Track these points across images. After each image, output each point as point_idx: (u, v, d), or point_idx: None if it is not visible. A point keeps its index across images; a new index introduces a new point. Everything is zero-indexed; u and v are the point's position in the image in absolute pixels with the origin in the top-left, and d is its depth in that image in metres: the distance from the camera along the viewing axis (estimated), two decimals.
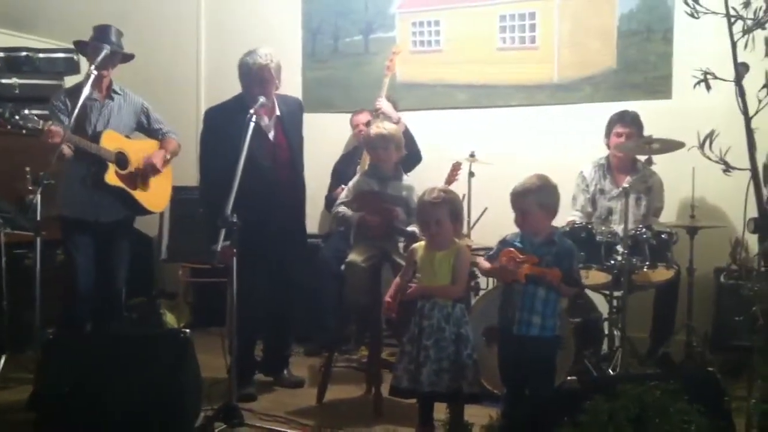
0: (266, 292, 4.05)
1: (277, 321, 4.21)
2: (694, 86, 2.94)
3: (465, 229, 4.28)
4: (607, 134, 4.68)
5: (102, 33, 4.20)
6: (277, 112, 4.13)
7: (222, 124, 3.95)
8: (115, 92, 4.26)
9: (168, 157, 4.38)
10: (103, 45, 4.06)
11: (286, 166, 4.12)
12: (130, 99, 4.33)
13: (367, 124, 4.97)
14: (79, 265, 4.10)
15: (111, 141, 4.12)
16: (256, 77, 3.95)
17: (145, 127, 4.38)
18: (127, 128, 4.29)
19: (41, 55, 5.47)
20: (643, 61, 5.10)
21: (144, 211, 4.35)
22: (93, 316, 4.17)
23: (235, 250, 3.30)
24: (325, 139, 5.48)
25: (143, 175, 4.25)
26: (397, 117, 4.92)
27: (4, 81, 5.27)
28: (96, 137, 4.07)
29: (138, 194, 4.23)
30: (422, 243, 3.40)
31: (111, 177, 4.10)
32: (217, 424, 3.25)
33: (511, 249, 3.08)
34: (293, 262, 4.18)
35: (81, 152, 3.99)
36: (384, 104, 4.90)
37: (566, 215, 4.47)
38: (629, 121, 4.58)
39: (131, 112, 4.31)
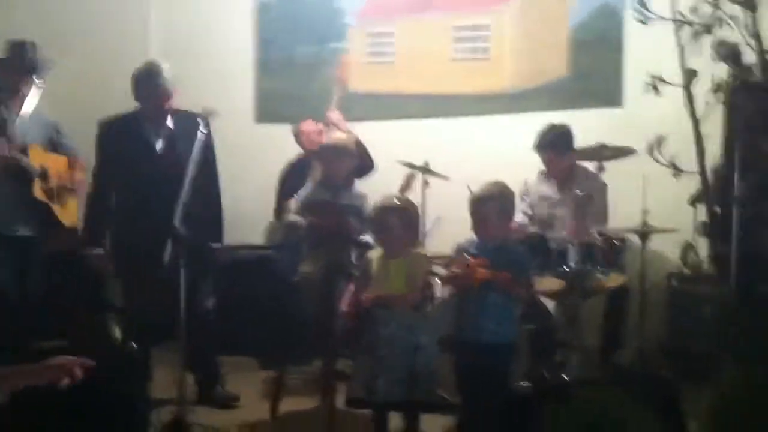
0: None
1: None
2: (645, 91, 2.98)
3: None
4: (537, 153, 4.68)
5: (19, 49, 4.19)
6: (170, 125, 4.00)
7: (117, 139, 3.97)
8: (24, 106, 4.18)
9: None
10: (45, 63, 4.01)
11: (174, 179, 3.65)
12: (42, 114, 4.28)
13: (320, 133, 4.93)
14: None
15: (35, 156, 4.11)
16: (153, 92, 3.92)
17: (54, 143, 4.32)
18: (39, 142, 4.24)
19: None
20: (595, 70, 5.15)
21: (60, 226, 4.29)
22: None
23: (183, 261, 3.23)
24: (277, 150, 5.43)
25: (60, 193, 4.22)
26: (347, 129, 4.88)
27: None
28: (23, 151, 4.03)
29: (57, 209, 4.21)
30: (377, 252, 3.37)
31: (38, 191, 4.09)
32: None
33: (464, 255, 3.07)
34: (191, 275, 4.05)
35: (9, 166, 3.95)
36: (335, 115, 4.87)
37: None
38: (545, 146, 4.55)
39: (43, 127, 4.28)
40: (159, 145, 3.97)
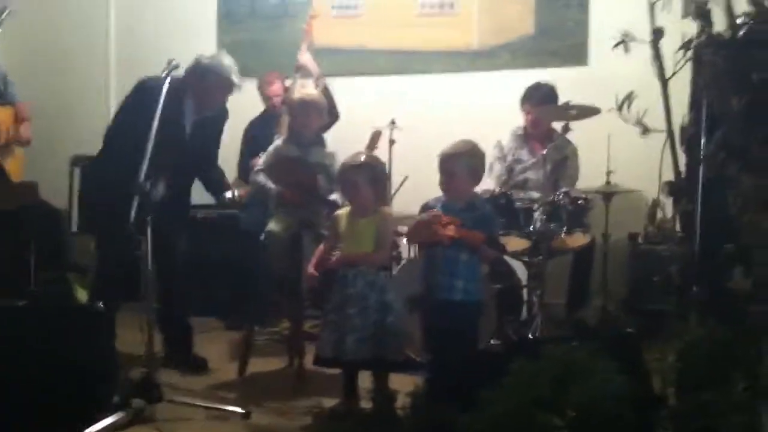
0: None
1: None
2: (614, 47, 2.98)
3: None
4: (521, 106, 4.71)
5: None
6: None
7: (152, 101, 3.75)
8: None
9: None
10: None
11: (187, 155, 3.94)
12: None
13: (286, 90, 4.86)
14: None
15: None
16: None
17: (1, 92, 4.14)
18: None
19: None
20: (559, 27, 5.15)
21: (7, 182, 4.15)
22: None
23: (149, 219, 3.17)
24: (240, 104, 5.30)
25: (9, 148, 4.07)
26: (318, 72, 4.80)
27: None
28: None
29: (8, 165, 4.06)
30: (345, 210, 3.35)
31: None
32: (135, 401, 3.13)
33: (436, 210, 3.06)
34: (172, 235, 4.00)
35: None
36: (305, 58, 4.77)
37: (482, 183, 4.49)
38: (535, 100, 4.60)
39: None
40: (188, 128, 3.93)
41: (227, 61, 3.92)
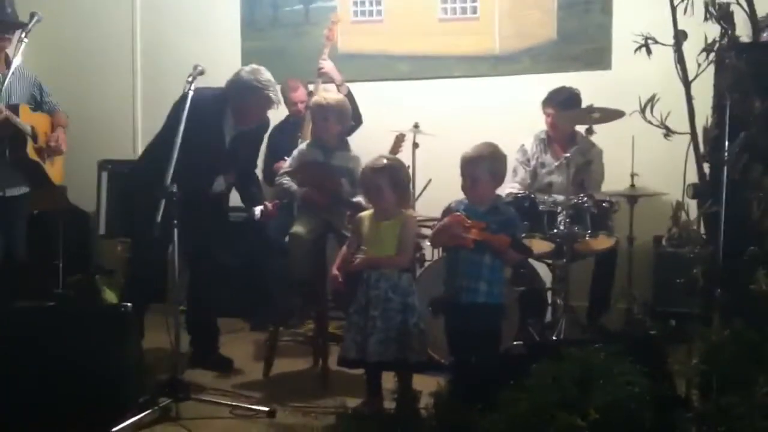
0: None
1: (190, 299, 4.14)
2: (635, 51, 2.97)
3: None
4: (543, 108, 4.72)
5: None
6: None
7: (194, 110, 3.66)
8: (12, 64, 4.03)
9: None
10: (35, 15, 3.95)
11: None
12: (24, 71, 4.15)
13: (309, 95, 4.91)
14: None
15: (25, 116, 4.02)
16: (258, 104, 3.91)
17: (37, 100, 4.24)
18: (24, 101, 4.13)
19: None
20: (582, 32, 5.14)
21: (49, 185, 4.25)
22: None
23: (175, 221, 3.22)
24: None
25: (48, 151, 4.16)
26: (340, 78, 4.88)
27: None
28: (14, 110, 3.93)
29: (48, 168, 4.15)
30: (368, 213, 3.38)
31: (31, 151, 4.02)
32: (161, 399, 3.18)
33: (459, 213, 3.07)
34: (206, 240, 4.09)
35: (5, 127, 3.86)
36: (327, 65, 4.84)
37: (505, 187, 4.49)
38: (556, 104, 4.60)
39: (26, 84, 4.17)
40: (228, 138, 3.95)
41: (266, 76, 3.88)
